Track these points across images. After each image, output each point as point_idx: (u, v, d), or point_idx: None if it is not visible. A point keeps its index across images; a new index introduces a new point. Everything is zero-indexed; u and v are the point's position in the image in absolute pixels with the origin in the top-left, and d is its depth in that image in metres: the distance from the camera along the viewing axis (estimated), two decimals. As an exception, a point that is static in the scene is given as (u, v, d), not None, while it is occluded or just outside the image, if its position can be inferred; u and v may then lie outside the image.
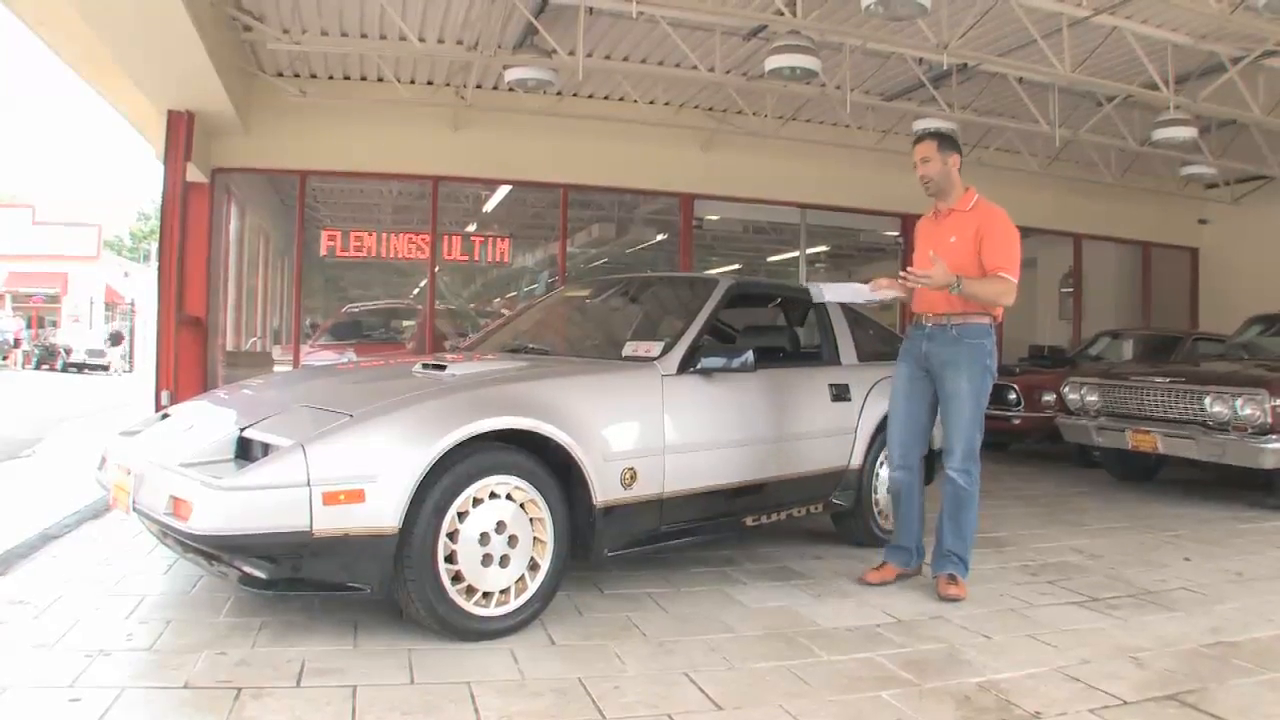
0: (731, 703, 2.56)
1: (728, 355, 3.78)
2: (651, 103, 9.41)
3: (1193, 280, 12.83)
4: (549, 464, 3.20)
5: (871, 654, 2.99)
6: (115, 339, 30.28)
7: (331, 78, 8.87)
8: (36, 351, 29.45)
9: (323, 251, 9.53)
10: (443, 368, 3.57)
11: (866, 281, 3.91)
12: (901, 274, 3.68)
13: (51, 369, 28.10)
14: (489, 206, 10.77)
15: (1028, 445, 8.55)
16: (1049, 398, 7.61)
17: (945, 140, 3.82)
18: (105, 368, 28.63)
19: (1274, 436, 5.48)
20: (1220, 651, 3.08)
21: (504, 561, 3.06)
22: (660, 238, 11.40)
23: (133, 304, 36.40)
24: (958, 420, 3.71)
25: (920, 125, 8.21)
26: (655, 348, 3.79)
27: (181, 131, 7.64)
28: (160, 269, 8.25)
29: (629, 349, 3.87)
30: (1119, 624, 3.38)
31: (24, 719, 2.36)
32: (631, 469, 3.40)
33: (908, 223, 10.33)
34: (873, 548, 4.37)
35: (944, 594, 3.64)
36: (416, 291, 10.54)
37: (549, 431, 3.16)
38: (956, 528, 3.73)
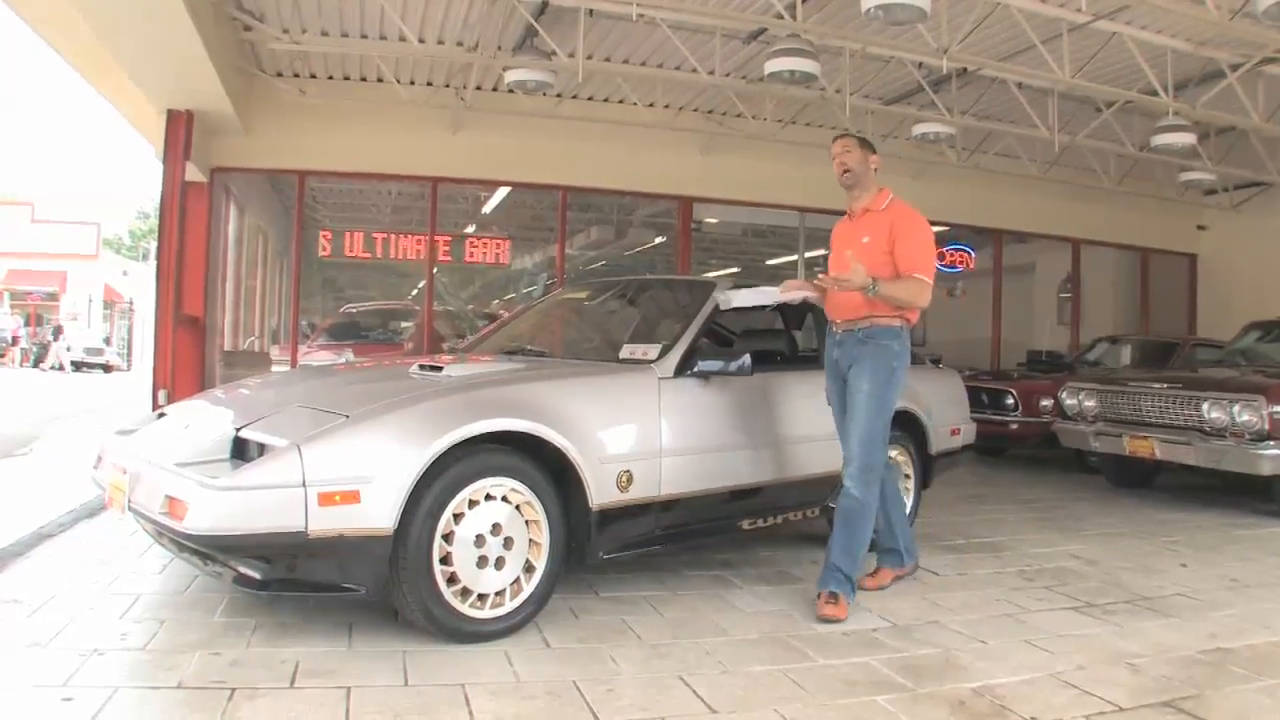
0: (726, 706, 2.56)
1: (725, 358, 3.77)
2: (651, 105, 9.41)
3: (1191, 286, 12.84)
4: (545, 466, 3.20)
5: (867, 659, 2.99)
6: (56, 333, 28.93)
7: (331, 78, 8.87)
8: (34, 350, 29.33)
9: (321, 252, 9.54)
10: (439, 369, 3.57)
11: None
12: (819, 277, 3.63)
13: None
14: (488, 208, 10.78)
15: (1025, 450, 8.56)
16: (1047, 403, 7.64)
17: (865, 142, 3.76)
18: (38, 363, 26.92)
19: (1271, 443, 5.48)
20: (1216, 658, 3.08)
21: (499, 564, 3.06)
22: (659, 240, 11.41)
23: (131, 303, 36.37)
24: (854, 424, 3.54)
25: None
26: (653, 350, 3.78)
27: (181, 131, 7.64)
28: (159, 268, 8.23)
29: (626, 351, 3.88)
30: (1115, 630, 3.38)
31: (17, 718, 2.36)
32: (628, 472, 3.39)
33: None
34: (868, 552, 4.36)
35: (822, 614, 3.36)
36: (415, 293, 10.55)
37: (545, 434, 3.16)
38: (847, 543, 3.49)
